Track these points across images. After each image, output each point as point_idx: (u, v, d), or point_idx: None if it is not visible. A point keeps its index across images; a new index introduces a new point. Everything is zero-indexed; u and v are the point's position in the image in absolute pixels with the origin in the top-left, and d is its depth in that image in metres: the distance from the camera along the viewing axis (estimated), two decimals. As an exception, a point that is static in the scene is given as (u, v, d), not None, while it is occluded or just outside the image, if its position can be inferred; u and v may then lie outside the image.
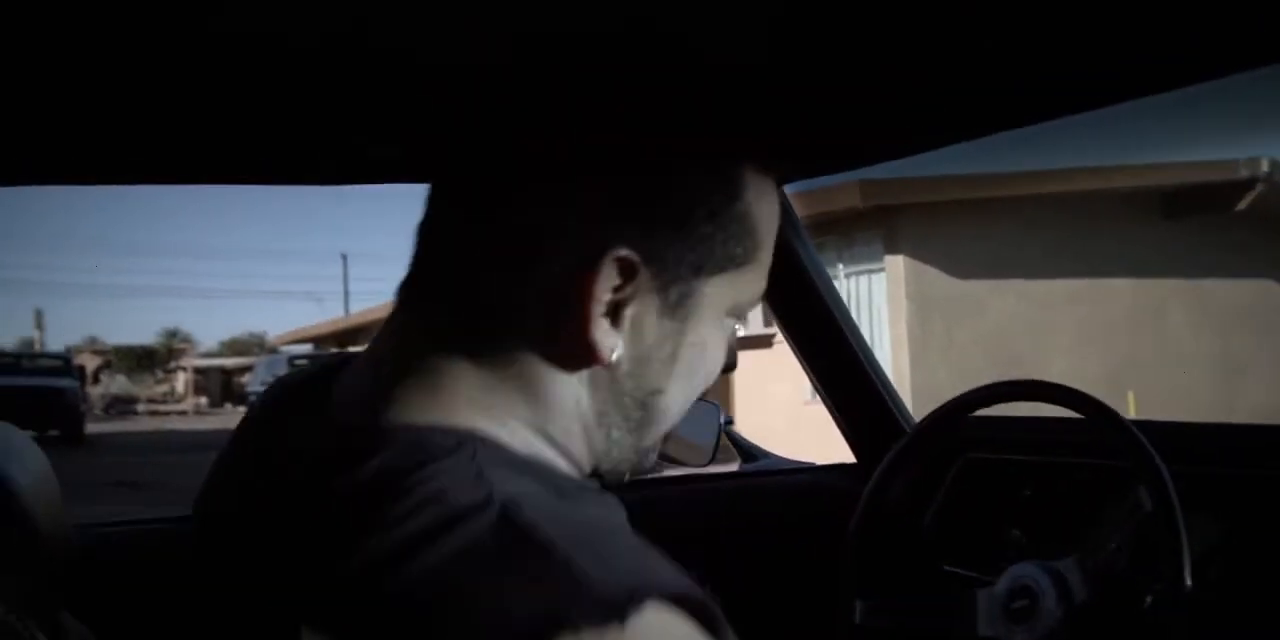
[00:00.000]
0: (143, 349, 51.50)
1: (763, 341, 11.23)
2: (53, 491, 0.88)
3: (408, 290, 0.73)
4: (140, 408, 35.26)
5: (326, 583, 0.58)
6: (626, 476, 0.77)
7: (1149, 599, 1.11)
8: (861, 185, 9.59)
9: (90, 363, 43.46)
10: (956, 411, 1.30)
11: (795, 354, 1.67)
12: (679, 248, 0.69)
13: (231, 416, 29.63)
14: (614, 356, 0.68)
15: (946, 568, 1.40)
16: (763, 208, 0.74)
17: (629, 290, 0.67)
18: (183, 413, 33.87)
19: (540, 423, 0.68)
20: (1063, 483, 1.36)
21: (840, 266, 10.87)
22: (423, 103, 0.87)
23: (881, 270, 10.56)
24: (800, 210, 1.61)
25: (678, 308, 0.70)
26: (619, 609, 0.52)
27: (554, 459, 0.69)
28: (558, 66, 0.77)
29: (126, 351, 50.79)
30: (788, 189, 1.57)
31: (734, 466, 3.22)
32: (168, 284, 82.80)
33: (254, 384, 24.32)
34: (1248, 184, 10.87)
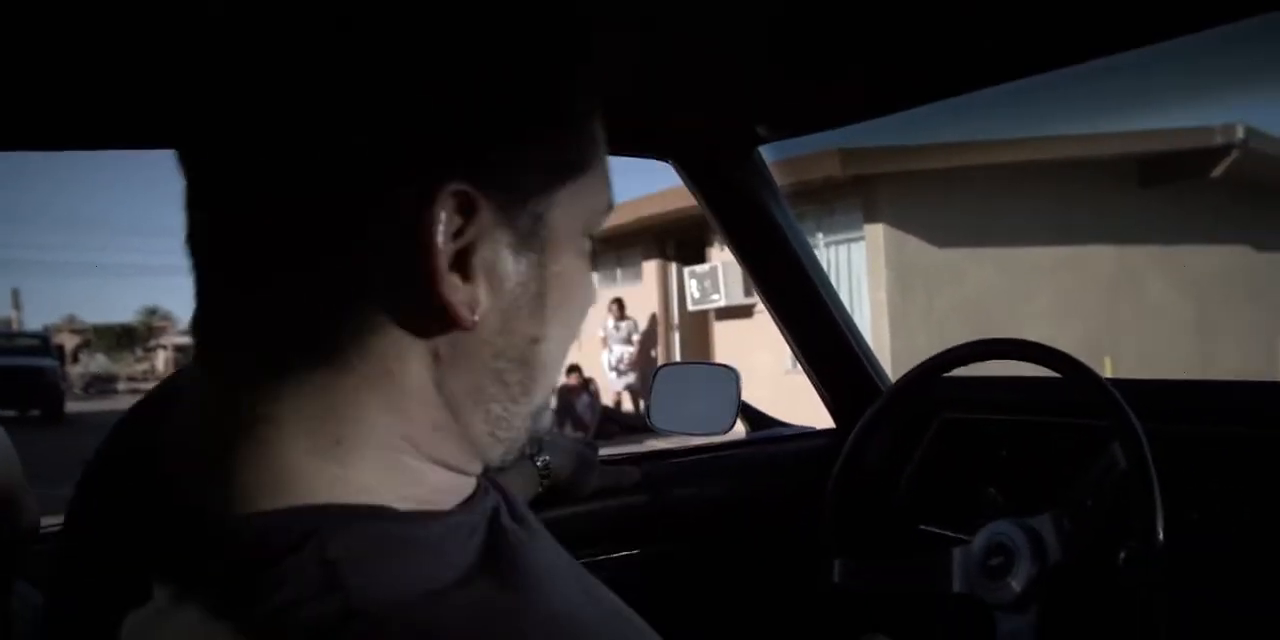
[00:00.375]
0: (122, 327, 51.23)
1: (743, 311, 11.25)
2: (11, 468, 0.88)
3: (202, 325, 0.58)
4: (120, 386, 35.07)
5: None
6: (526, 450, 0.66)
7: (1123, 555, 1.13)
8: (841, 154, 9.57)
9: (69, 342, 43.19)
10: (931, 372, 1.31)
11: (774, 320, 1.68)
12: (517, 165, 0.56)
13: (213, 394, 29.50)
14: (478, 315, 0.55)
15: (923, 527, 1.42)
16: (586, 101, 0.61)
17: (472, 231, 0.54)
18: (164, 391, 33.68)
19: (405, 431, 0.56)
20: (1038, 442, 1.37)
21: (820, 236, 10.87)
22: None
23: (861, 239, 10.56)
24: (780, 179, 1.61)
25: (532, 237, 0.58)
26: None
27: (426, 476, 0.58)
28: None
29: (106, 330, 50.52)
30: (767, 157, 1.57)
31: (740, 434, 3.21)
32: (146, 261, 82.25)
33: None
34: (1223, 151, 10.88)
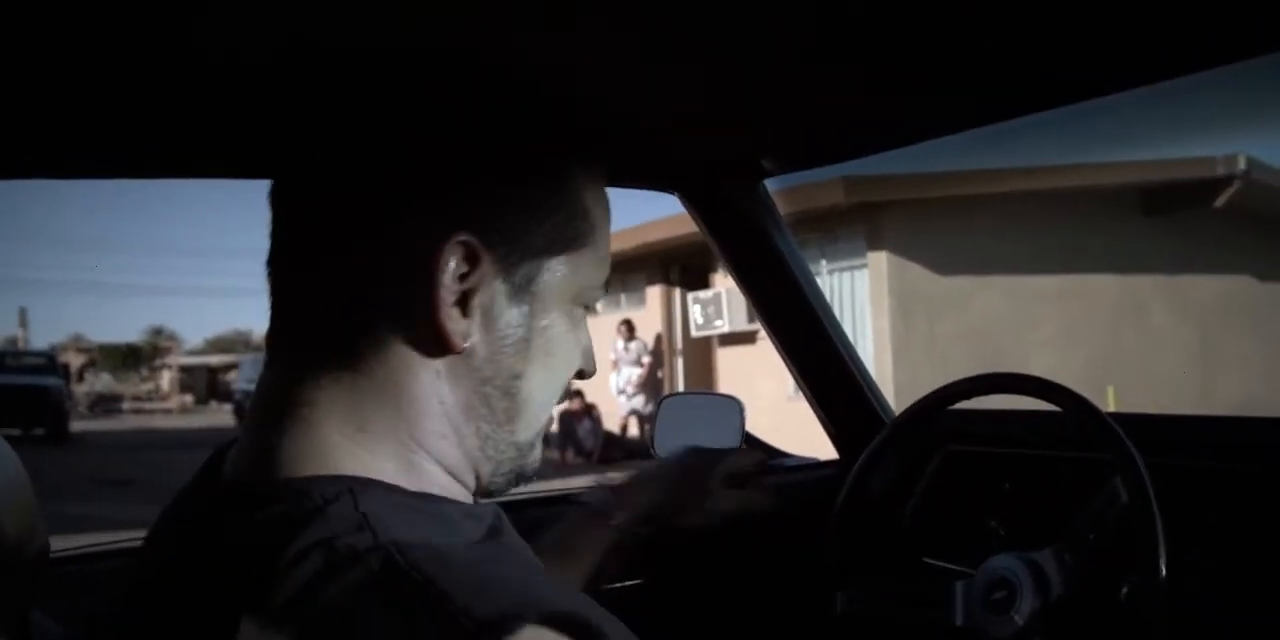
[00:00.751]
0: (128, 347, 51.30)
1: (746, 338, 11.25)
2: (24, 491, 0.88)
3: (272, 335, 0.73)
4: (125, 406, 35.10)
5: (235, 626, 0.59)
6: (514, 484, 0.78)
7: (1125, 590, 1.13)
8: (845, 182, 9.60)
9: (75, 361, 43.23)
10: (935, 405, 1.31)
11: (777, 349, 1.68)
12: (519, 228, 0.71)
13: (217, 414, 29.49)
14: (468, 343, 0.69)
15: (926, 559, 1.42)
16: (593, 192, 0.77)
17: (475, 278, 0.69)
18: (168, 411, 33.70)
19: (412, 431, 0.69)
20: (1041, 475, 1.38)
21: (823, 263, 10.89)
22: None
23: (864, 267, 10.58)
24: (784, 207, 1.62)
25: (524, 291, 0.72)
26: (489, 633, 0.53)
27: (434, 476, 0.70)
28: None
29: (111, 349, 50.56)
30: (770, 186, 1.59)
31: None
32: (153, 282, 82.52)
33: (240, 382, 24.22)
34: (1225, 181, 10.92)
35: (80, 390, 35.82)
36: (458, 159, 0.70)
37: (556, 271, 0.73)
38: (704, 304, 11.80)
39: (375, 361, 0.68)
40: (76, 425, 20.45)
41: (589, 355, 0.81)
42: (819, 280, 1.66)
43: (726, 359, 12.39)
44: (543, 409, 0.76)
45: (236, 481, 0.69)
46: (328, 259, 0.70)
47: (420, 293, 0.67)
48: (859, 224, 10.41)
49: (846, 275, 10.90)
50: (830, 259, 10.95)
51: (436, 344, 0.68)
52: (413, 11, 0.73)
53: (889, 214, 10.23)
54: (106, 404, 34.42)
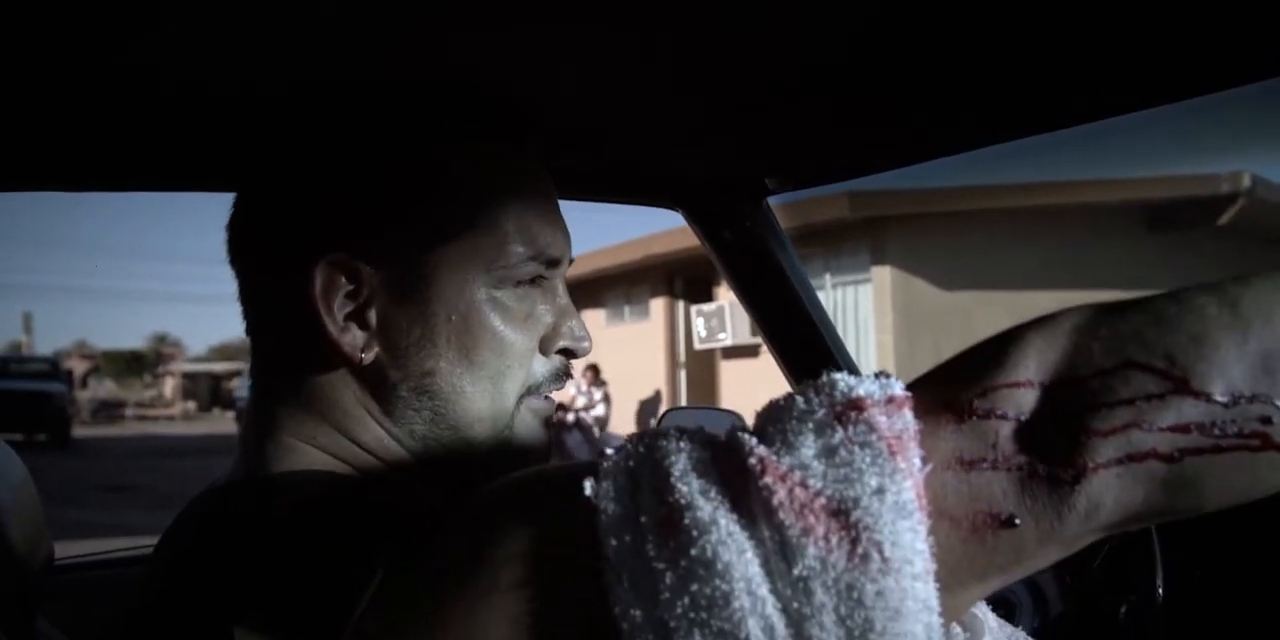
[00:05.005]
0: (131, 353, 51.37)
1: (750, 351, 11.25)
2: (31, 500, 0.89)
3: (251, 361, 0.78)
4: (128, 412, 35.05)
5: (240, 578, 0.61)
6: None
7: (1123, 609, 1.13)
8: (850, 196, 9.62)
9: (78, 367, 43.27)
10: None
11: (777, 362, 1.69)
12: (386, 232, 0.71)
13: (220, 421, 29.48)
14: (368, 355, 0.71)
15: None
16: (471, 168, 0.74)
17: (365, 291, 0.71)
18: (171, 418, 33.66)
19: (356, 440, 0.72)
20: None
21: (827, 277, 10.89)
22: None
23: (868, 281, 10.58)
24: (788, 221, 1.63)
25: (413, 291, 0.71)
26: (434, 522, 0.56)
27: (388, 475, 0.73)
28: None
29: (115, 356, 50.65)
30: (773, 200, 1.59)
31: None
32: (157, 288, 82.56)
33: (242, 390, 24.23)
34: (1230, 198, 10.93)
35: (83, 396, 35.80)
36: (312, 184, 0.73)
37: (448, 260, 0.72)
38: (707, 317, 11.81)
39: (306, 382, 0.72)
40: (79, 431, 20.45)
41: (552, 333, 0.78)
42: (822, 294, 1.66)
43: (729, 372, 12.39)
44: (482, 400, 0.74)
45: (230, 481, 0.73)
46: (248, 292, 0.76)
47: (307, 315, 0.69)
48: (863, 238, 10.42)
49: (850, 289, 10.90)
50: (834, 273, 10.95)
51: (342, 360, 0.71)
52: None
53: (893, 229, 10.24)
54: (109, 410, 34.40)
